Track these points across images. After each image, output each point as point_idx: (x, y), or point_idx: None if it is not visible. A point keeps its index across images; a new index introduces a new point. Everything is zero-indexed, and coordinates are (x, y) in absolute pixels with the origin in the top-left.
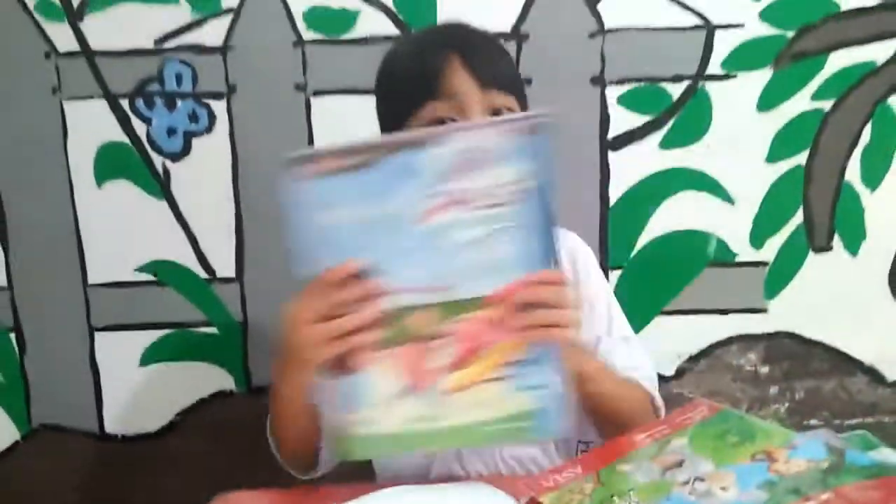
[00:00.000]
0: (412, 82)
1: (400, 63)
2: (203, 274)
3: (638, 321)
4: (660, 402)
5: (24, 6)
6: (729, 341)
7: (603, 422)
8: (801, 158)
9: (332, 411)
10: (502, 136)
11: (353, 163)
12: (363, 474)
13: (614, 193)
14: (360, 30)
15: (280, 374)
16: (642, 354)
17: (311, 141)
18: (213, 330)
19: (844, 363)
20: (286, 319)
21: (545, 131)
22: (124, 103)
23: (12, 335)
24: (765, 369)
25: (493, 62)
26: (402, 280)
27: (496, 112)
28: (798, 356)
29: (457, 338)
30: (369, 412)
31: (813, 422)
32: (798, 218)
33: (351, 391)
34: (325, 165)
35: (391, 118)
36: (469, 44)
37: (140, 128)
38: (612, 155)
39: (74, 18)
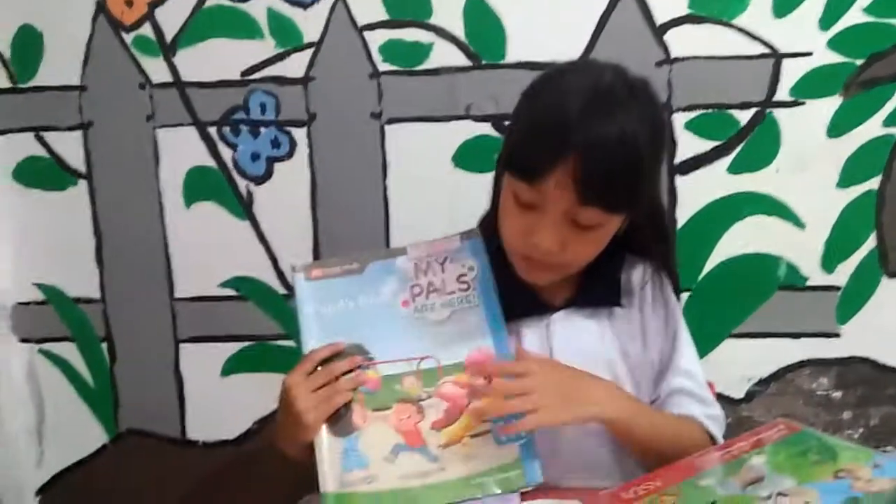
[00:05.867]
0: (518, 156)
1: (521, 125)
2: (281, 290)
3: (706, 344)
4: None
5: (123, 42)
6: (800, 365)
7: (646, 459)
8: (874, 183)
9: (331, 469)
10: (449, 244)
11: (348, 269)
12: None
13: (682, 217)
14: (433, 61)
15: (280, 435)
16: (706, 388)
17: (385, 166)
18: (290, 343)
19: None
20: (284, 388)
21: (477, 236)
22: (212, 130)
23: (104, 345)
24: (838, 394)
25: (608, 177)
26: (390, 353)
27: (577, 224)
28: (872, 381)
29: (442, 399)
30: (368, 470)
31: (889, 448)
32: (871, 243)
33: (349, 451)
34: (327, 271)
35: (504, 148)
36: (599, 146)
37: (226, 153)
38: (679, 179)
39: (168, 53)
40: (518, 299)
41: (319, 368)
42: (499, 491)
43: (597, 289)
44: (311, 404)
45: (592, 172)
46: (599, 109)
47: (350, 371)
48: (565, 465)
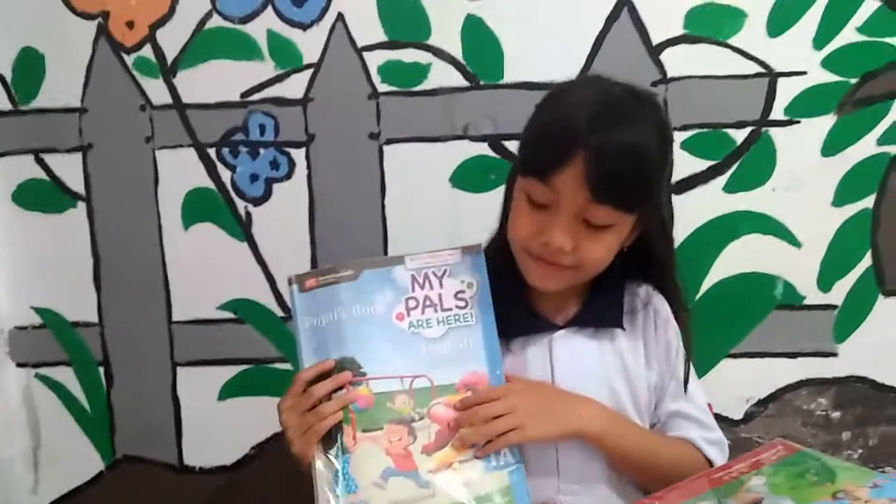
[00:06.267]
0: (532, 155)
1: (534, 130)
2: (280, 312)
3: (704, 364)
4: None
5: (123, 64)
6: (798, 385)
7: (640, 478)
8: (868, 202)
9: (324, 493)
10: (449, 256)
11: (343, 277)
12: None
13: (679, 236)
14: (431, 82)
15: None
16: (706, 411)
17: (383, 186)
18: (287, 366)
19: None
20: (278, 411)
21: (479, 252)
22: (211, 152)
23: (101, 369)
24: (836, 414)
25: (619, 174)
26: (383, 369)
27: (589, 224)
28: (871, 401)
29: (433, 420)
30: (358, 495)
31: (888, 469)
32: (867, 261)
33: (341, 474)
34: (321, 279)
35: (519, 157)
36: (608, 143)
37: (225, 174)
38: (675, 198)
39: (168, 74)
40: (521, 317)
41: (308, 389)
42: None
43: (599, 309)
44: (301, 430)
45: (603, 170)
46: (609, 116)
47: (340, 388)
48: (562, 483)
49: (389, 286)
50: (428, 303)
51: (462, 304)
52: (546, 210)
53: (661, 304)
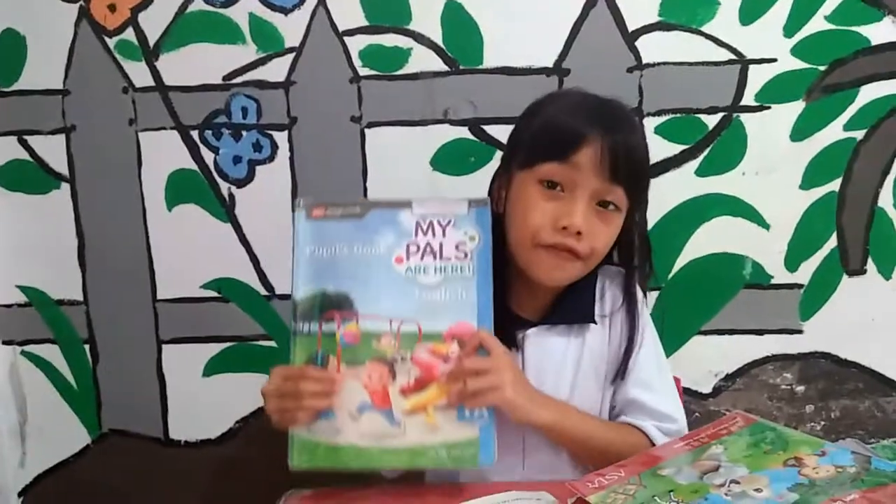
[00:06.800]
0: (546, 143)
1: (550, 118)
2: (263, 291)
3: (675, 341)
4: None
5: (106, 46)
6: (765, 361)
7: (580, 461)
8: (835, 185)
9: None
10: (456, 207)
11: (349, 212)
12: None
13: (652, 218)
14: (412, 66)
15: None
16: (667, 401)
17: (364, 169)
18: (272, 343)
19: (879, 383)
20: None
21: (486, 205)
22: (194, 134)
23: (87, 346)
24: (800, 388)
25: (630, 160)
26: (375, 308)
27: (602, 203)
28: (833, 376)
29: (415, 365)
30: (334, 423)
31: (847, 440)
32: (832, 242)
33: None
34: (328, 212)
35: (517, 153)
36: (618, 132)
37: (208, 156)
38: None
39: (150, 57)
40: (496, 315)
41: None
42: (451, 465)
43: (571, 305)
44: (281, 413)
45: (618, 153)
46: (611, 114)
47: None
48: (529, 467)
49: (393, 229)
50: (428, 250)
51: (462, 255)
52: (560, 198)
53: (632, 290)
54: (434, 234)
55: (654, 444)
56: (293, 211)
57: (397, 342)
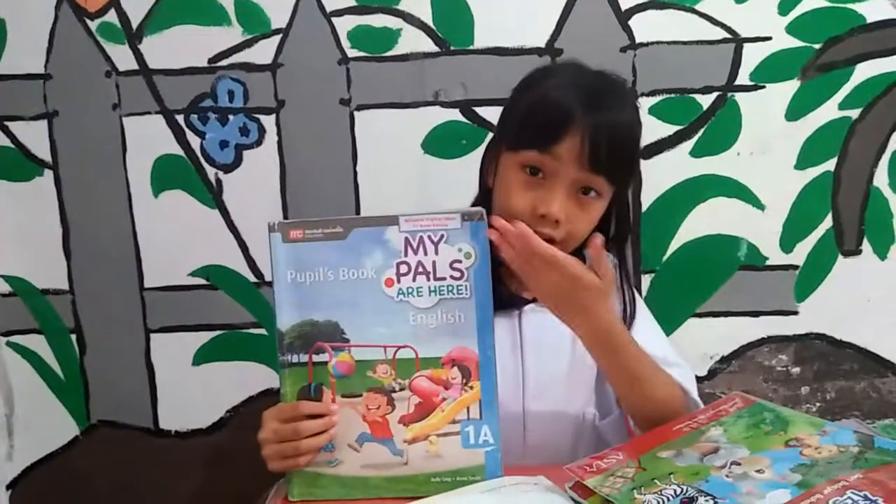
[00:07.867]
0: (528, 130)
1: (538, 100)
2: (252, 278)
3: (670, 323)
4: (697, 402)
5: (87, 29)
6: (760, 342)
7: (637, 407)
8: (830, 165)
9: None
10: (448, 221)
11: (331, 233)
12: None
13: (646, 199)
14: (402, 47)
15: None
16: (672, 354)
17: (354, 152)
18: (261, 331)
19: (875, 364)
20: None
21: (481, 219)
22: (180, 118)
23: (73, 336)
24: (796, 370)
25: (614, 147)
26: (367, 336)
27: (584, 189)
28: (829, 357)
29: (414, 393)
30: (333, 454)
31: (843, 421)
32: (827, 223)
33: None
34: (307, 233)
35: (506, 132)
36: (603, 120)
37: (194, 141)
38: (643, 163)
39: (133, 40)
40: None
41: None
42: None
43: None
44: (280, 458)
45: (600, 143)
46: (600, 95)
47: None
48: (531, 457)
49: (380, 248)
50: (420, 270)
51: (457, 274)
52: (541, 185)
53: (625, 264)
54: (426, 252)
55: (688, 394)
56: (270, 231)
57: (393, 370)
